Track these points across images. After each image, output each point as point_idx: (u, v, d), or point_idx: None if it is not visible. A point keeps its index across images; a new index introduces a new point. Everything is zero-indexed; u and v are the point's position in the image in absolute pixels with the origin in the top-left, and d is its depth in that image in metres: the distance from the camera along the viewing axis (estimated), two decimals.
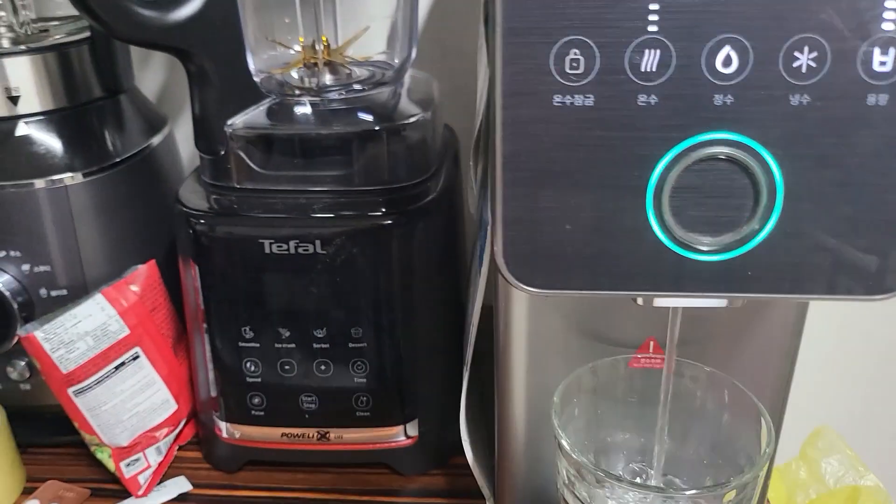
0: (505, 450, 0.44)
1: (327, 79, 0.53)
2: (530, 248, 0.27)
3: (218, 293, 0.50)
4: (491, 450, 0.47)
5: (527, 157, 0.26)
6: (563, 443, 0.34)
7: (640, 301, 0.30)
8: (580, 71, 0.25)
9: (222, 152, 0.49)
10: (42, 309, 0.53)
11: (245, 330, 0.50)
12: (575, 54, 0.25)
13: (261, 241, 0.47)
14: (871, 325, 0.74)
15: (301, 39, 0.52)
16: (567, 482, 0.36)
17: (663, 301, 0.29)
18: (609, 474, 0.33)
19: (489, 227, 0.29)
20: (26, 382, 0.55)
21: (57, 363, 0.49)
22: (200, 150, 0.50)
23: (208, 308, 0.50)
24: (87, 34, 0.54)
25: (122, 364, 0.51)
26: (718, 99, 0.25)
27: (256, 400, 0.52)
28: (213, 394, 0.52)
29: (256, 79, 0.52)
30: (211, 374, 0.52)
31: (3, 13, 0.55)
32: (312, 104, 0.51)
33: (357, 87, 0.53)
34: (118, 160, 0.55)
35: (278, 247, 0.47)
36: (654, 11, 0.25)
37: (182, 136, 0.67)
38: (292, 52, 0.54)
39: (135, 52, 0.66)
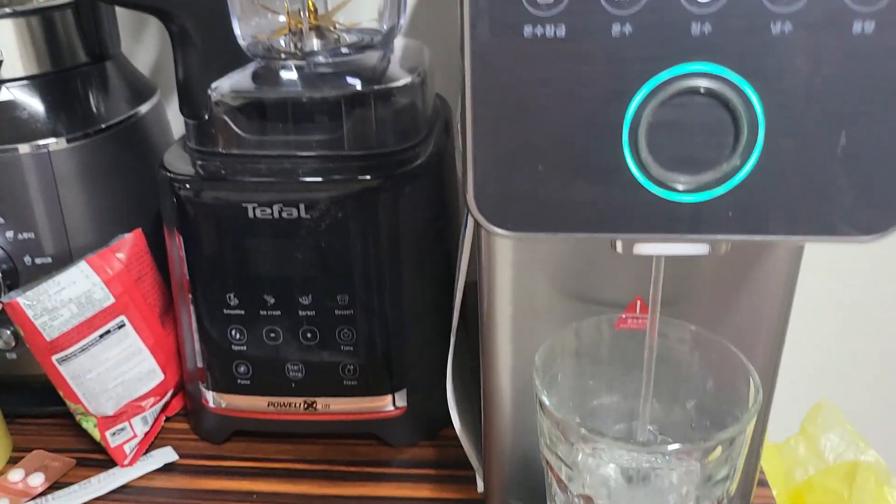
0: (491, 418, 0.43)
1: (314, 44, 0.52)
2: (502, 188, 0.26)
3: (202, 259, 0.49)
4: (480, 420, 0.46)
5: (496, 92, 0.25)
6: (545, 399, 0.33)
7: (619, 247, 0.29)
8: (551, 0, 0.24)
9: (206, 116, 0.49)
10: (27, 277, 0.52)
11: (230, 297, 0.49)
12: None
13: (244, 205, 0.47)
14: (873, 300, 0.72)
15: (286, 6, 0.51)
16: (549, 443, 0.35)
17: (643, 247, 0.28)
18: (592, 430, 0.32)
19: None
20: (12, 351, 0.54)
21: (40, 330, 0.49)
22: (184, 114, 0.50)
23: (193, 274, 0.49)
24: None
25: (108, 332, 0.51)
26: (696, 28, 0.24)
27: (242, 369, 0.51)
28: (200, 363, 0.52)
29: (243, 43, 0.51)
30: (197, 343, 0.51)
31: None
32: (298, 68, 0.50)
33: (344, 50, 0.52)
34: (103, 126, 0.54)
35: (262, 211, 0.47)
36: None
37: (174, 108, 0.66)
38: (280, 17, 0.53)
39: (127, 22, 0.65)
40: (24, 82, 0.51)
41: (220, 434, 0.54)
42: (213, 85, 0.48)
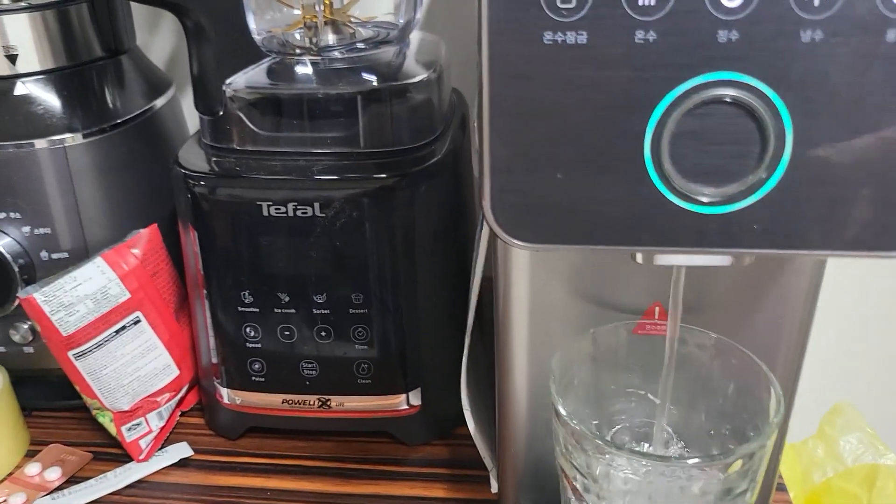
0: (506, 420, 0.43)
1: (329, 38, 0.52)
2: (520, 198, 0.26)
3: (216, 256, 0.49)
4: (494, 420, 0.45)
5: (515, 100, 0.25)
6: (560, 409, 0.33)
7: (639, 258, 0.28)
8: (572, 5, 0.24)
9: (220, 112, 0.48)
10: (43, 272, 0.52)
11: (244, 294, 0.49)
12: None
13: (259, 203, 0.46)
14: (894, 297, 0.71)
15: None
16: (565, 451, 0.34)
17: (664, 258, 0.27)
18: (609, 443, 0.31)
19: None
20: (29, 345, 0.55)
21: (56, 326, 0.49)
22: (199, 110, 0.49)
23: (207, 272, 0.49)
24: None
25: (123, 328, 0.51)
26: (723, 35, 0.23)
27: (257, 366, 0.51)
28: (214, 360, 0.52)
29: (258, 38, 0.51)
30: (212, 340, 0.51)
31: None
32: (313, 63, 0.49)
33: (360, 45, 0.51)
34: (119, 121, 0.54)
35: (276, 209, 0.46)
36: None
37: (189, 101, 0.66)
38: (295, 11, 0.52)
39: (143, 16, 0.65)
40: (40, 77, 0.51)
41: (234, 430, 0.54)
42: (228, 81, 0.48)
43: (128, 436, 0.52)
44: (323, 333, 0.49)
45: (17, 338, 0.54)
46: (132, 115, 0.55)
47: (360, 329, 0.49)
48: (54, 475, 0.51)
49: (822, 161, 0.24)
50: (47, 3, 0.51)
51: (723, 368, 0.36)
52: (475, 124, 0.45)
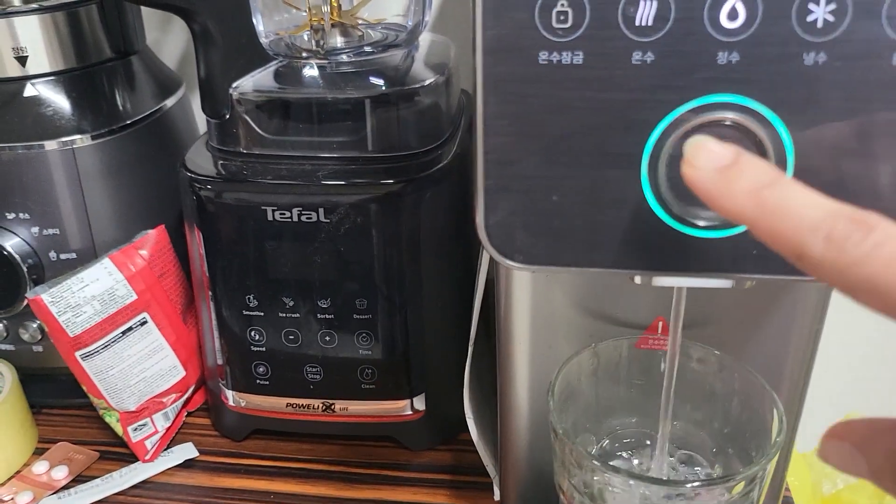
0: (508, 429, 0.43)
1: (337, 41, 0.51)
2: (514, 219, 0.25)
3: (222, 260, 0.49)
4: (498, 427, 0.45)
5: (509, 120, 0.24)
6: (558, 429, 0.32)
7: (637, 280, 0.27)
8: (568, 25, 0.23)
9: (227, 116, 0.48)
10: (52, 272, 0.53)
11: (249, 298, 0.49)
12: (562, 6, 0.23)
13: (263, 207, 0.46)
14: None
15: (308, 2, 0.50)
16: (562, 469, 0.34)
17: (662, 280, 0.27)
18: (607, 465, 0.31)
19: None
20: (38, 344, 0.55)
21: (64, 326, 0.49)
22: (206, 113, 0.49)
23: (213, 275, 0.49)
24: None
25: (130, 329, 0.51)
26: (723, 57, 0.23)
27: (261, 369, 0.51)
28: (220, 361, 0.52)
29: (266, 40, 0.50)
30: (217, 342, 0.51)
31: None
32: (320, 67, 0.49)
33: (367, 49, 0.51)
34: (128, 122, 0.54)
35: (281, 214, 0.46)
36: None
37: (199, 101, 0.66)
38: (303, 13, 0.52)
39: (154, 15, 0.65)
40: (50, 78, 0.51)
41: (239, 432, 0.54)
42: (235, 84, 0.48)
43: (134, 436, 0.52)
44: (327, 338, 0.49)
45: (26, 336, 0.55)
46: (141, 116, 0.55)
47: (364, 334, 0.49)
48: (61, 474, 0.51)
49: (824, 186, 0.23)
50: (57, 4, 0.51)
51: (726, 385, 0.36)
52: None
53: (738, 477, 0.30)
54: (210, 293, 0.50)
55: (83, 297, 0.49)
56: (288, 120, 0.48)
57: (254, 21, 0.49)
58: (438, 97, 0.49)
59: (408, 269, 0.48)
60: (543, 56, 0.23)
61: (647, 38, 0.23)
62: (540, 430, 0.42)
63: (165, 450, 0.53)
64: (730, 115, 0.23)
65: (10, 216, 0.51)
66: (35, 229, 0.52)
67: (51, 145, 0.51)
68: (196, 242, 0.49)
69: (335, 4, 0.51)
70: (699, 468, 0.37)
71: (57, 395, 0.57)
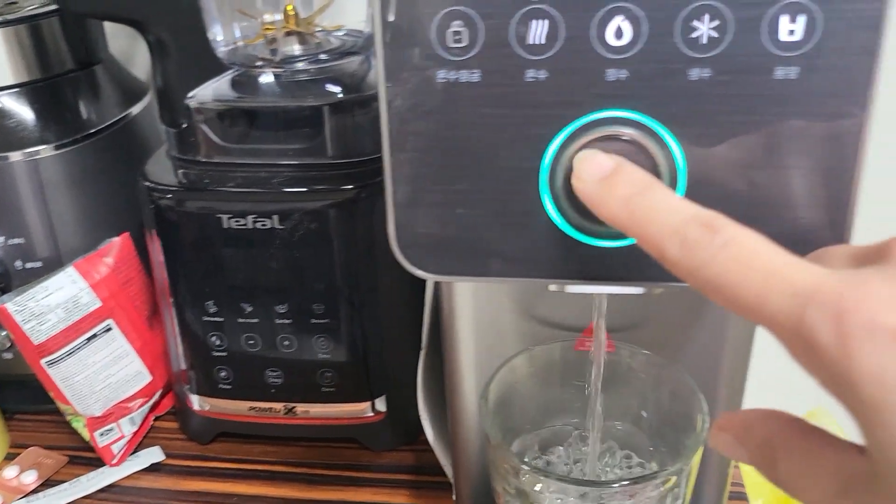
0: (458, 431, 0.43)
1: (294, 49, 0.52)
2: (423, 231, 0.26)
3: (181, 268, 0.49)
4: None
5: (413, 137, 0.25)
6: (490, 436, 0.33)
7: (552, 288, 0.28)
8: (464, 44, 0.24)
9: (184, 125, 0.49)
10: (18, 281, 0.53)
11: (209, 304, 0.50)
12: (457, 26, 0.23)
13: (219, 215, 0.47)
14: None
15: (261, 11, 0.51)
16: (497, 475, 0.35)
17: (575, 288, 0.28)
18: (535, 469, 0.32)
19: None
20: (8, 351, 0.56)
21: (28, 334, 0.50)
22: (164, 122, 0.50)
23: (173, 282, 0.50)
24: (56, 6, 0.54)
25: (94, 336, 0.52)
26: (612, 74, 0.23)
27: (223, 374, 0.52)
28: (184, 366, 0.53)
29: (224, 48, 0.51)
30: (180, 347, 0.52)
31: None
32: (276, 75, 0.50)
33: (323, 56, 0.51)
34: (92, 131, 0.55)
35: (237, 221, 0.47)
36: None
37: None
38: (261, 22, 0.53)
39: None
40: (13, 91, 0.52)
41: (205, 435, 0.55)
42: (191, 94, 0.48)
43: (100, 441, 0.53)
44: (286, 342, 0.50)
45: None
46: (106, 125, 0.56)
47: (322, 338, 0.50)
48: (30, 478, 0.52)
49: (717, 196, 0.24)
50: (18, 18, 0.52)
51: (658, 385, 0.36)
52: None
53: (660, 475, 0.31)
54: (171, 300, 0.51)
55: (47, 305, 0.50)
56: (244, 128, 0.49)
57: (212, 31, 0.50)
58: None
59: (363, 272, 0.49)
60: (442, 75, 0.24)
61: (540, 57, 0.24)
62: None
63: (132, 454, 0.54)
64: (621, 129, 0.24)
65: None
66: (0, 239, 0.53)
67: (15, 156, 0.52)
68: (156, 250, 0.50)
69: (291, 13, 0.52)
70: (639, 467, 0.38)
71: (29, 401, 0.58)
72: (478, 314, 0.39)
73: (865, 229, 0.26)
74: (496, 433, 0.33)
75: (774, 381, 0.53)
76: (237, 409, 0.53)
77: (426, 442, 0.53)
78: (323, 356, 0.50)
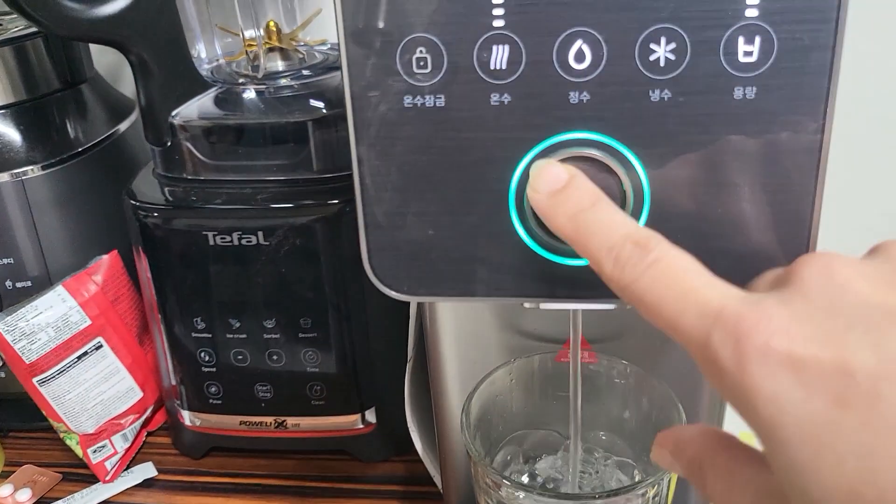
0: (445, 443, 0.44)
1: (278, 65, 0.52)
2: (394, 253, 0.27)
3: (169, 285, 0.50)
4: None
5: (381, 160, 0.25)
6: (471, 450, 0.34)
7: (527, 305, 0.28)
8: (428, 70, 0.24)
9: (169, 143, 0.49)
10: (9, 300, 0.54)
11: (197, 321, 0.50)
12: (421, 52, 0.24)
13: (205, 232, 0.47)
14: None
15: (242, 28, 0.51)
16: (479, 488, 0.35)
17: (549, 305, 0.28)
18: (515, 483, 0.32)
19: None
20: (1, 370, 0.56)
21: (19, 353, 0.50)
22: (149, 141, 0.50)
23: (161, 299, 0.50)
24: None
25: (85, 354, 0.52)
26: (574, 97, 0.24)
27: (213, 389, 0.52)
28: (174, 382, 0.53)
29: (207, 66, 0.52)
30: (170, 363, 0.53)
31: None
32: (258, 92, 0.50)
33: (306, 72, 0.52)
34: (79, 150, 0.55)
35: (223, 238, 0.47)
36: (498, 5, 0.23)
37: None
38: (244, 38, 0.53)
39: None
40: (0, 112, 0.53)
41: (197, 450, 0.55)
42: (175, 112, 0.49)
43: (93, 457, 0.53)
44: (275, 357, 0.50)
45: None
46: (92, 144, 0.56)
47: (310, 352, 0.50)
48: (25, 496, 0.52)
49: (680, 214, 0.24)
50: (3, 39, 0.52)
51: (639, 395, 0.37)
52: None
53: (640, 486, 0.31)
54: (160, 316, 0.51)
55: (37, 324, 0.50)
56: (229, 145, 0.49)
57: (194, 48, 0.50)
58: None
59: (350, 285, 0.49)
60: (408, 100, 0.25)
61: (503, 81, 0.24)
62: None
63: (125, 470, 0.55)
64: (585, 150, 0.24)
65: None
66: None
67: (2, 177, 0.52)
68: (144, 267, 0.50)
69: (274, 28, 0.52)
70: (625, 476, 0.38)
71: (23, 418, 0.59)
72: (461, 328, 0.40)
73: (836, 242, 0.26)
74: (477, 448, 0.34)
75: None
76: (228, 423, 0.53)
77: (417, 453, 0.54)
78: (312, 369, 0.51)
